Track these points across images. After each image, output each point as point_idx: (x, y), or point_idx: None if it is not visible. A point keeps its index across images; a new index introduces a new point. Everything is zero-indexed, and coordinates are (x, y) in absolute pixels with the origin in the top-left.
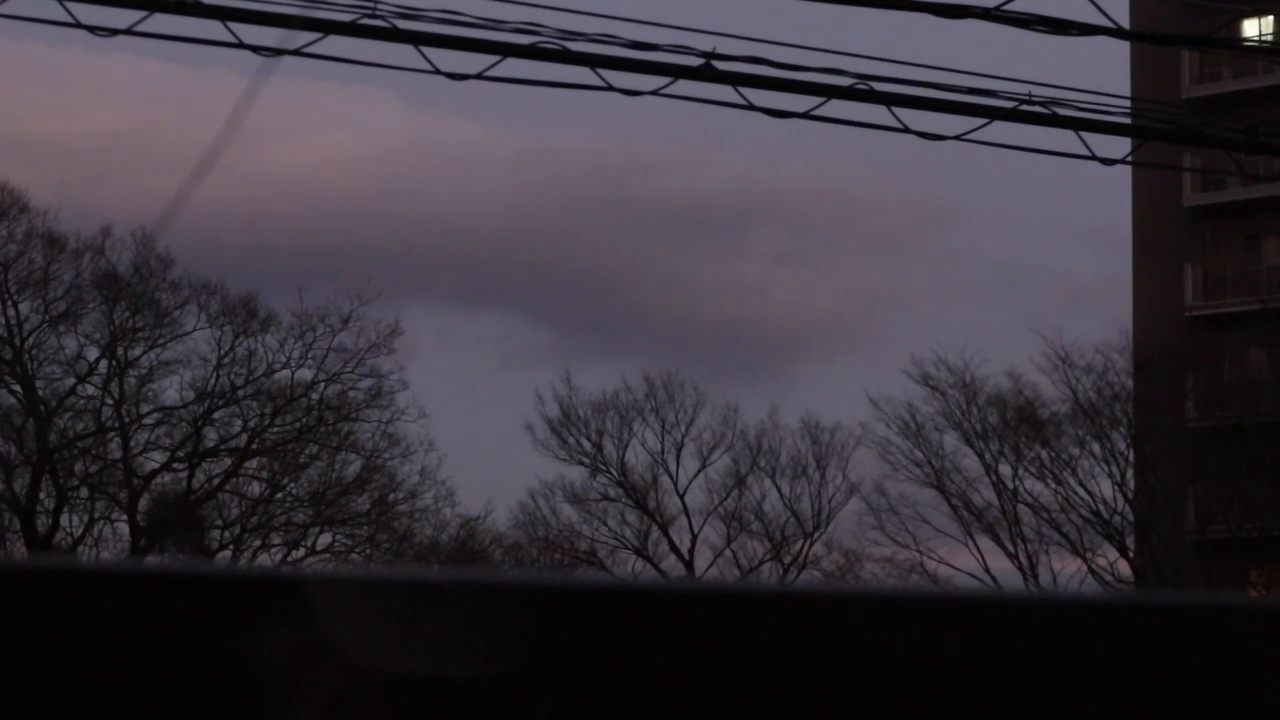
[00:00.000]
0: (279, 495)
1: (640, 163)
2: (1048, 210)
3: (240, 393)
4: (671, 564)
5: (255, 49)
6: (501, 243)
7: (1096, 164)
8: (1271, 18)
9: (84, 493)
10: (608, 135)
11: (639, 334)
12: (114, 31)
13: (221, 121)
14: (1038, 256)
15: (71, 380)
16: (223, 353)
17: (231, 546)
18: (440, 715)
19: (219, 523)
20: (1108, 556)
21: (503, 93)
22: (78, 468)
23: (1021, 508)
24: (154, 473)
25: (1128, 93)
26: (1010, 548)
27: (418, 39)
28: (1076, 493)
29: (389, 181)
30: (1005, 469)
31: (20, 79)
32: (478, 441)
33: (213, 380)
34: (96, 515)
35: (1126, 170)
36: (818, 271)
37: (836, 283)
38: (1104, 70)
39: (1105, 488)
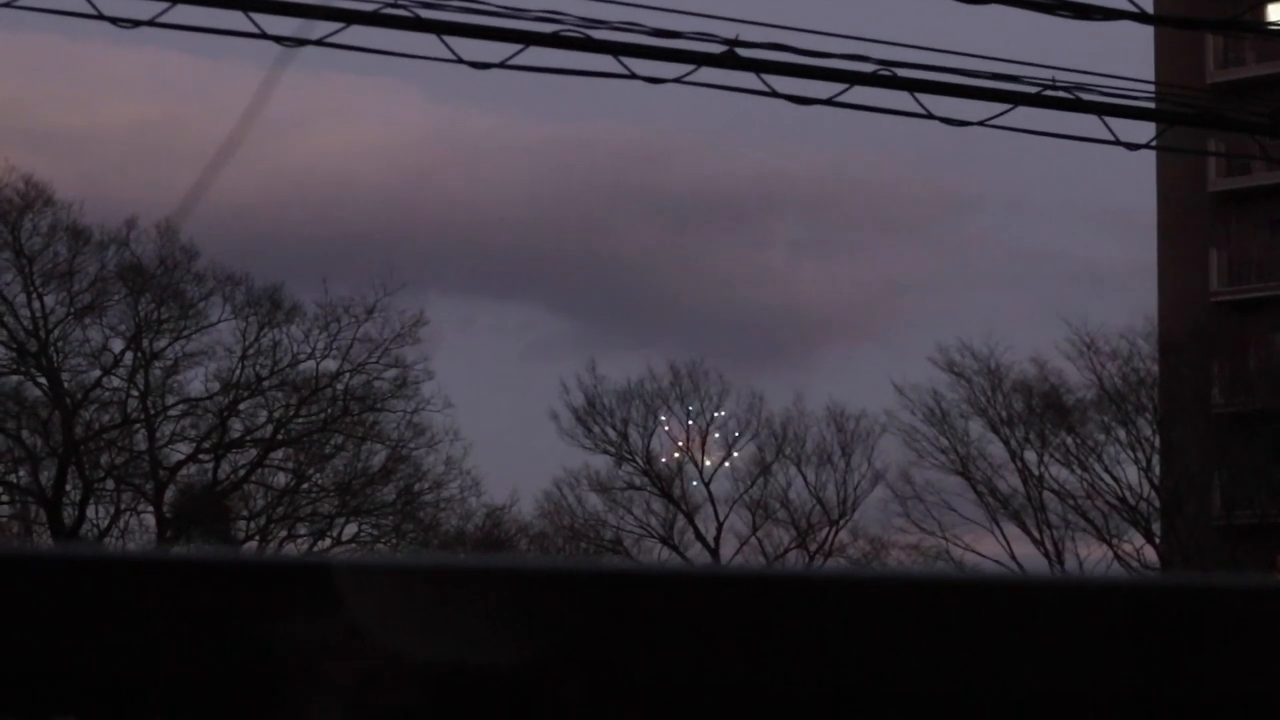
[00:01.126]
0: (304, 486)
1: (663, 151)
2: (1071, 196)
3: (265, 384)
4: (697, 552)
5: (277, 39)
6: (525, 232)
7: (1120, 149)
8: None
9: (110, 484)
10: (630, 123)
11: (663, 322)
12: (136, 23)
13: (242, 113)
14: (1061, 242)
15: (97, 372)
16: (248, 344)
17: (257, 537)
18: (468, 699)
19: (245, 513)
20: (1134, 543)
21: (525, 81)
22: (104, 459)
23: (1047, 494)
24: (180, 464)
25: (1151, 78)
26: (1036, 534)
27: (440, 28)
28: (1102, 479)
29: (412, 171)
30: (1031, 455)
31: (43, 72)
32: (503, 431)
33: (238, 371)
34: (123, 507)
35: (1150, 155)
36: (841, 258)
37: (859, 269)
38: (1127, 55)
39: (1131, 474)
